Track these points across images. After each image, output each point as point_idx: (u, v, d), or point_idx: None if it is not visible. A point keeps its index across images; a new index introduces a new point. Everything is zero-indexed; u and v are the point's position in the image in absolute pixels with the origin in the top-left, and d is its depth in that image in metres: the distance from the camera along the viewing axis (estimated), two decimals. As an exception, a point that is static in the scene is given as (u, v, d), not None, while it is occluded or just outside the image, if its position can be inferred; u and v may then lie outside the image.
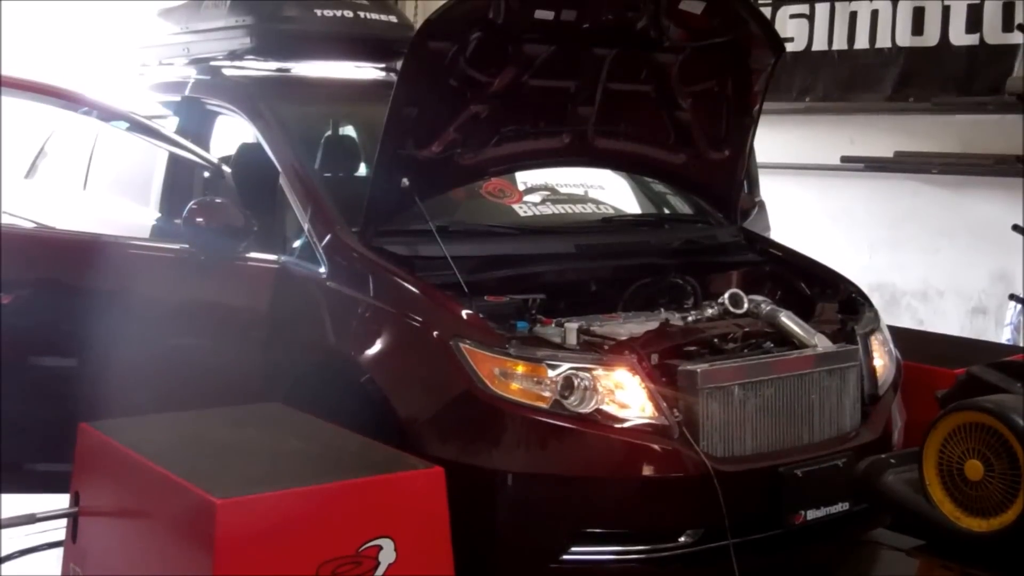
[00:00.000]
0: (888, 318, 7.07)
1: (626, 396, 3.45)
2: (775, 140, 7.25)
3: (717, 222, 4.84)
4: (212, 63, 4.96)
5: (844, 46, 6.92)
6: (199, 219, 4.03)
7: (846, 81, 6.93)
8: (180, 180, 4.67)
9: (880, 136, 6.87)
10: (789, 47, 7.18)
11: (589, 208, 4.60)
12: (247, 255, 4.16)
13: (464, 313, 3.51)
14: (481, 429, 3.39)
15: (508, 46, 3.93)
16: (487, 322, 3.48)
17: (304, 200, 4.09)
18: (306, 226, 4.03)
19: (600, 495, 3.35)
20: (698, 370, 3.47)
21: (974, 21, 6.28)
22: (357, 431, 3.35)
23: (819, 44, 7.05)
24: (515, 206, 4.39)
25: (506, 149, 4.16)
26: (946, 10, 6.35)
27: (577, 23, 3.96)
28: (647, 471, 3.39)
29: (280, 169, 4.23)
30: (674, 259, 4.40)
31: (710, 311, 4.09)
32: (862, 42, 6.81)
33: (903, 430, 4.05)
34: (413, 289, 3.64)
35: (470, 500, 3.26)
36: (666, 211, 5.07)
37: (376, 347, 3.67)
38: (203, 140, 4.75)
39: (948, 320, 6.68)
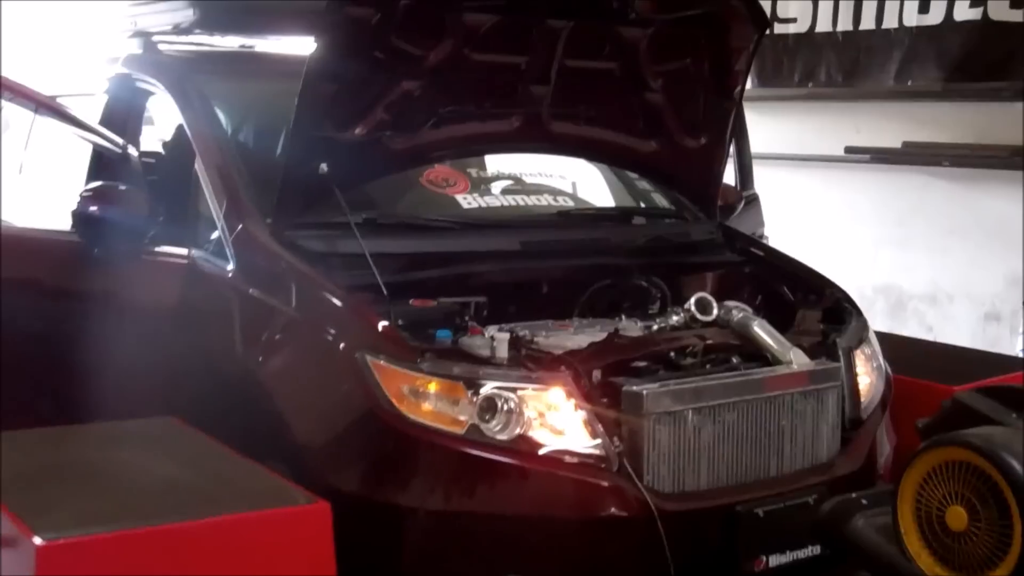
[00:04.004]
0: (894, 323, 6.63)
1: (559, 421, 2.97)
2: (775, 128, 6.80)
3: (694, 218, 4.36)
4: (152, 37, 4.53)
5: (849, 27, 6.39)
6: (92, 207, 3.59)
7: (851, 65, 6.40)
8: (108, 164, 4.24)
9: (888, 125, 6.34)
10: (791, 28, 6.72)
11: (545, 200, 4.11)
12: (154, 249, 3.71)
13: (371, 320, 3.03)
14: (384, 457, 2.92)
15: (444, 15, 3.46)
16: (397, 332, 3.00)
17: (218, 187, 3.64)
18: (219, 216, 3.58)
19: (522, 537, 2.87)
20: (644, 392, 2.99)
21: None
22: (253, 455, 2.91)
23: (823, 25, 6.53)
24: (459, 197, 3.92)
25: (445, 132, 3.69)
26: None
27: None
28: (578, 510, 2.91)
29: (196, 151, 3.78)
30: (637, 258, 3.92)
31: (675, 319, 3.63)
32: (868, 23, 6.28)
33: (891, 458, 3.58)
34: (318, 291, 3.17)
35: (372, 541, 2.84)
36: (642, 205, 4.58)
37: (277, 358, 3.22)
38: (133, 120, 4.33)
39: (958, 326, 6.15)
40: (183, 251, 3.68)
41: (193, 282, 3.60)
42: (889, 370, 3.83)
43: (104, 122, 4.28)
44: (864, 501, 2.75)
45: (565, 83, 3.80)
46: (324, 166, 3.40)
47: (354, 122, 3.46)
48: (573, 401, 2.96)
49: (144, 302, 3.68)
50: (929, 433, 2.66)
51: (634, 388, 3.01)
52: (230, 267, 3.46)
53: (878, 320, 6.56)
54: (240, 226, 3.49)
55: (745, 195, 5.25)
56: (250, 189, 3.60)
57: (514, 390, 2.93)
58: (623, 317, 3.65)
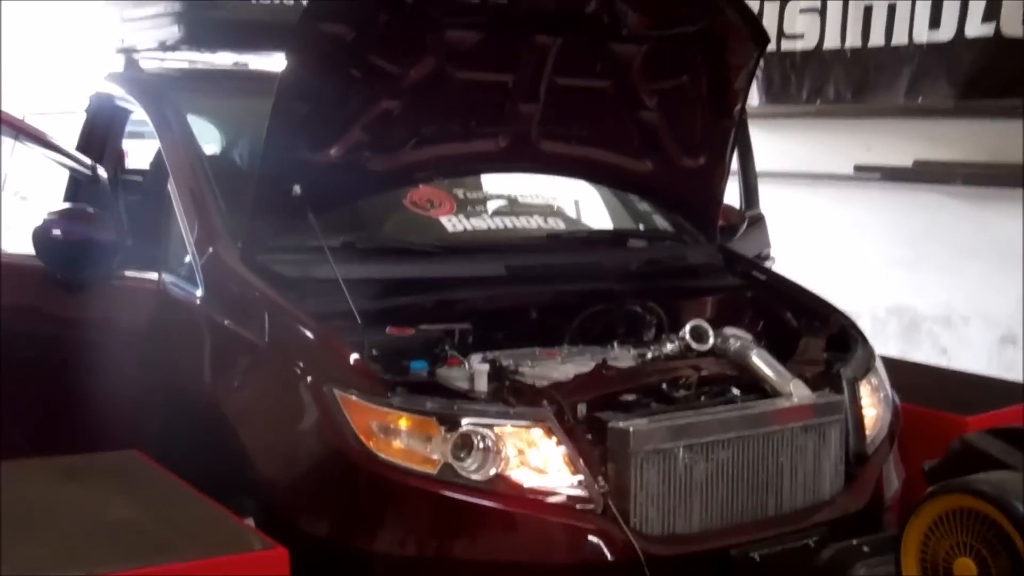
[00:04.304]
0: (907, 346, 6.41)
1: (540, 459, 2.78)
2: (783, 146, 6.61)
3: (694, 240, 4.18)
4: (135, 53, 4.40)
5: (858, 43, 6.19)
6: (55, 231, 3.43)
7: (860, 82, 6.20)
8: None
9: (899, 143, 6.13)
10: (798, 45, 6.53)
11: (535, 223, 3.93)
12: (123, 273, 3.55)
13: (340, 351, 2.86)
14: (352, 499, 2.74)
15: (425, 32, 3.30)
16: (367, 364, 2.83)
17: (190, 209, 3.48)
18: (190, 240, 3.42)
19: (499, 585, 2.69)
20: (630, 428, 2.80)
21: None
22: (221, 491, 2.75)
23: (831, 42, 6.33)
24: (444, 219, 3.74)
25: (428, 152, 3.53)
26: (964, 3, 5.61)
27: (510, 6, 3.33)
28: (558, 555, 2.72)
29: (169, 171, 3.62)
30: (630, 283, 3.73)
31: (669, 347, 3.44)
32: (877, 39, 6.08)
33: (899, 493, 3.37)
34: (287, 319, 3.00)
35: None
36: (641, 227, 4.40)
37: (244, 391, 3.05)
38: (112, 138, 4.19)
39: (974, 349, 5.92)
40: (154, 276, 3.53)
41: (163, 308, 3.44)
42: (897, 400, 3.63)
43: (83, 140, 4.16)
44: (865, 548, 2.57)
45: (555, 101, 3.63)
46: (298, 188, 3.24)
47: (330, 142, 3.30)
48: (555, 438, 2.78)
49: (111, 328, 3.52)
50: (935, 477, 2.47)
51: (620, 424, 2.82)
52: (199, 293, 3.30)
53: (891, 342, 6.37)
54: (211, 249, 3.33)
55: (749, 215, 5.07)
56: (224, 211, 3.44)
57: (491, 426, 2.74)
58: (615, 345, 3.48)
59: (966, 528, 2.27)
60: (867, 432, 3.33)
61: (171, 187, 3.59)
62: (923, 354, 6.13)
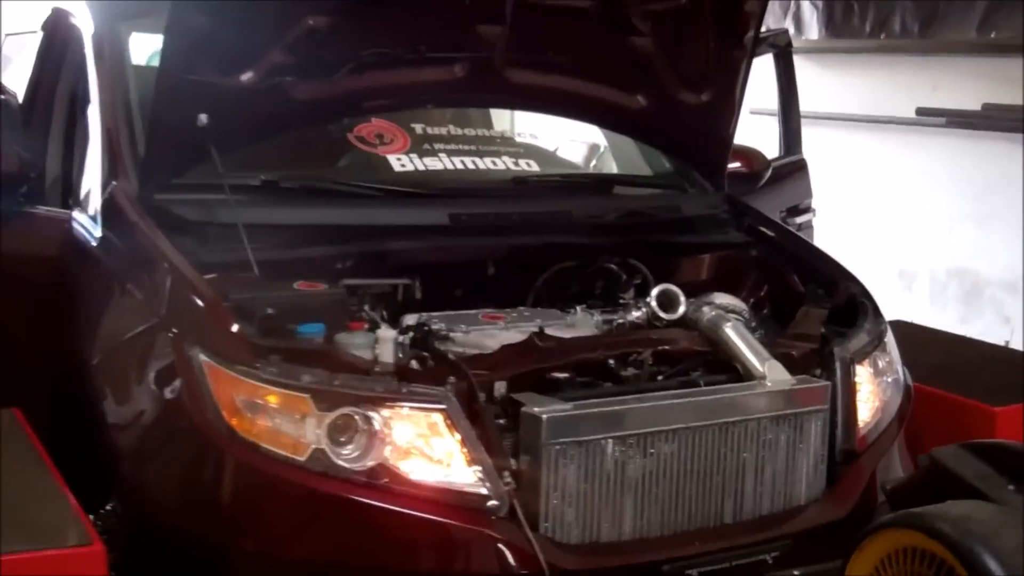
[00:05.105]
0: (968, 311, 5.77)
1: (440, 448, 2.34)
2: (840, 85, 5.98)
3: (700, 189, 3.65)
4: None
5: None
6: (-60, 162, 3.07)
7: (930, 13, 5.50)
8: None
9: (967, 83, 5.44)
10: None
11: (502, 164, 3.43)
12: (31, 209, 3.19)
13: (212, 309, 2.43)
14: (208, 486, 2.34)
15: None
16: (236, 323, 2.39)
17: (104, 141, 3.09)
18: (99, 175, 3.03)
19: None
20: (544, 415, 2.34)
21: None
22: (78, 467, 2.38)
23: (899, -34, 5.65)
24: (392, 157, 3.28)
25: (366, 81, 3.06)
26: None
27: None
28: (444, 564, 2.28)
29: (92, 96, 3.23)
30: (607, 237, 3.24)
31: (634, 314, 2.95)
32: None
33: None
34: (164, 268, 2.58)
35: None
36: (649, 172, 3.87)
37: (113, 351, 2.66)
38: (68, 59, 3.82)
39: (1042, 321, 5.28)
40: (64, 214, 3.16)
41: (66, 250, 3.08)
42: (911, 385, 3.10)
43: (40, 61, 3.81)
44: (811, 581, 2.07)
45: (524, 23, 3.11)
46: (204, 117, 2.81)
47: (243, 65, 2.84)
48: (453, 423, 2.32)
49: (12, 270, 3.15)
50: (898, 500, 1.96)
51: (534, 409, 2.35)
52: (97, 234, 2.91)
53: (950, 308, 5.75)
54: (113, 184, 2.94)
55: (778, 163, 4.50)
56: (137, 146, 3.03)
57: (377, 407, 2.30)
58: (577, 310, 3.00)
59: (917, 570, 1.77)
60: (861, 425, 2.81)
61: (90, 114, 3.21)
62: (984, 323, 5.50)
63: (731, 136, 3.61)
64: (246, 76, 2.85)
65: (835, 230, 5.40)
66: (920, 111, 5.62)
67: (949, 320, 5.59)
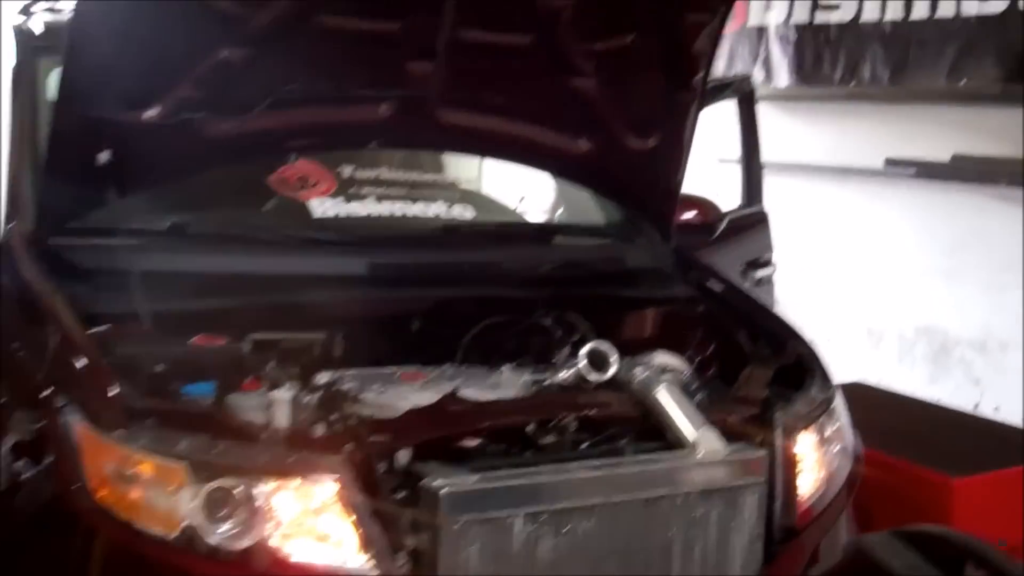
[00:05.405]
0: (936, 371, 5.57)
1: (329, 526, 2.12)
2: (807, 133, 5.84)
3: (648, 239, 3.48)
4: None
5: (899, 16, 5.35)
6: None
7: (900, 61, 5.36)
8: None
9: (939, 132, 5.28)
10: (833, 17, 5.71)
11: (434, 211, 3.24)
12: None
13: (91, 368, 2.22)
14: (72, 563, 2.11)
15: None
16: (115, 385, 2.18)
17: (11, 172, 2.91)
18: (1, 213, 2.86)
19: None
20: (443, 489, 2.13)
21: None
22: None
23: (869, 14, 5.50)
24: (314, 202, 3.09)
25: (285, 119, 2.88)
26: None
27: None
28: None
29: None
30: (539, 290, 3.05)
31: (563, 374, 2.75)
32: (921, 11, 5.24)
33: None
34: (45, 319, 2.38)
35: None
36: (597, 222, 3.68)
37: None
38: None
39: (1011, 381, 5.06)
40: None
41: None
42: (861, 453, 2.90)
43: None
44: None
45: (459, 60, 2.95)
46: (106, 155, 2.63)
47: (148, 99, 2.67)
48: (343, 499, 2.11)
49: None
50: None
51: (434, 483, 2.15)
52: (-8, 276, 2.72)
53: (918, 368, 5.57)
54: (11, 225, 2.76)
55: (732, 217, 4.31)
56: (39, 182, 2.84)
57: (258, 479, 2.09)
58: (506, 369, 2.81)
59: None
60: (804, 497, 2.61)
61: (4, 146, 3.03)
62: (953, 383, 5.31)
63: (679, 184, 3.43)
64: (153, 112, 2.67)
65: (802, 285, 5.23)
66: (889, 161, 5.46)
67: (918, 380, 5.41)
